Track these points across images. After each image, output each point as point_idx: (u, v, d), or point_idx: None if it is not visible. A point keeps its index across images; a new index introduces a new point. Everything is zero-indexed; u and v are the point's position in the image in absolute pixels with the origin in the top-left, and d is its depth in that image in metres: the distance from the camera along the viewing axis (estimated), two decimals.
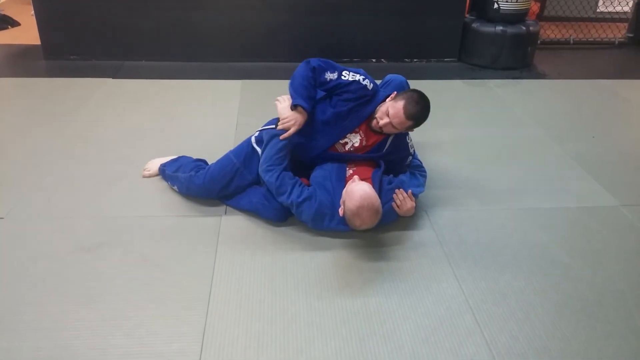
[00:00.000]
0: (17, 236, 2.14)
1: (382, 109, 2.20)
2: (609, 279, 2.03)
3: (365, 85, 2.21)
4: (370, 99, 2.24)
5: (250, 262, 2.04)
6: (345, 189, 2.07)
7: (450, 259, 2.10)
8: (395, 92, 2.24)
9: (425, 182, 2.41)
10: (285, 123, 2.18)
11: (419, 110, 2.15)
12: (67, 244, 2.10)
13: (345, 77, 2.21)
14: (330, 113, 2.24)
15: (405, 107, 2.12)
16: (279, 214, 2.23)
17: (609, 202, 2.53)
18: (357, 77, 2.21)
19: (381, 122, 2.18)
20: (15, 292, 1.85)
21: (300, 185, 2.16)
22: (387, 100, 2.22)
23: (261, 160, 2.21)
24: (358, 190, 1.99)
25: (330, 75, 2.21)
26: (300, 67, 2.24)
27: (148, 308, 1.80)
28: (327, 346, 1.69)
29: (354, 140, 2.28)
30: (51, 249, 2.07)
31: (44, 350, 1.63)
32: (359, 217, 1.97)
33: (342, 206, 2.03)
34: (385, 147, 2.30)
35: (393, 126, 2.17)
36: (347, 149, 2.29)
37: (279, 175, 2.14)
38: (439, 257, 2.11)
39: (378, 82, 2.41)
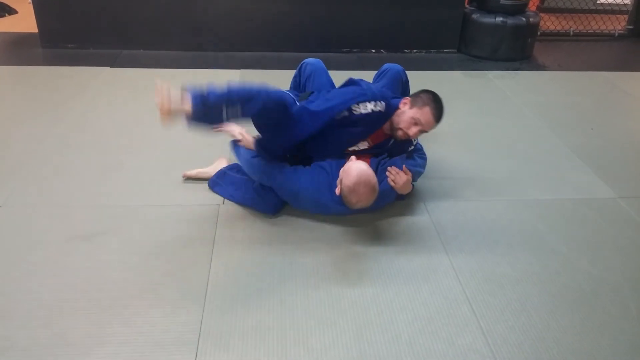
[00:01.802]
0: (14, 225, 2.14)
1: (404, 119, 2.16)
2: (605, 270, 2.03)
3: (380, 110, 2.14)
4: (384, 115, 2.20)
5: (248, 251, 2.04)
6: (342, 168, 2.07)
7: (448, 249, 2.10)
8: (409, 99, 2.20)
9: (424, 164, 2.39)
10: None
11: (441, 108, 2.18)
12: (64, 233, 2.10)
13: (356, 111, 2.12)
14: (343, 131, 2.19)
15: (433, 113, 2.15)
16: (271, 208, 2.24)
17: (607, 194, 2.53)
18: (369, 107, 2.11)
19: (412, 132, 2.17)
20: (12, 280, 1.85)
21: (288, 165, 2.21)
22: (403, 108, 2.19)
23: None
24: (355, 168, 1.99)
25: (341, 114, 2.13)
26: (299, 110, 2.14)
27: (145, 297, 1.80)
28: (325, 336, 1.69)
29: (361, 146, 2.27)
30: (48, 237, 2.07)
31: (41, 339, 1.63)
32: (355, 193, 1.97)
33: (339, 185, 2.03)
34: (390, 144, 2.30)
35: (423, 132, 2.20)
36: (351, 150, 2.29)
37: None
38: (436, 248, 2.11)
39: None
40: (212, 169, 2.43)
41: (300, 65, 2.58)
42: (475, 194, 2.49)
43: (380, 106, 2.13)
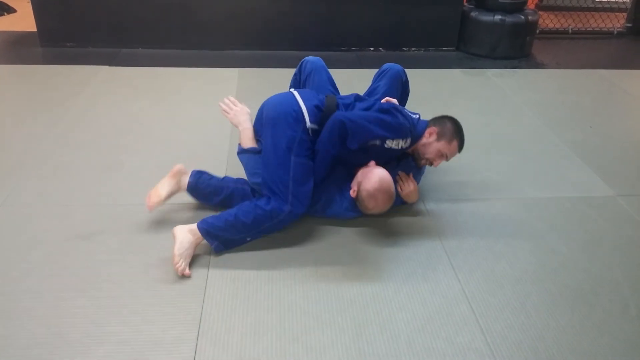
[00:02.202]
0: (14, 224, 2.14)
1: (431, 151, 2.20)
2: (604, 269, 2.03)
3: (406, 147, 2.17)
4: (408, 148, 2.22)
5: (246, 250, 2.04)
6: (361, 170, 2.07)
7: (447, 248, 2.10)
8: (434, 129, 2.19)
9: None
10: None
11: (464, 138, 2.23)
12: (64, 232, 2.09)
13: (388, 145, 2.12)
14: (368, 156, 2.18)
15: (459, 146, 2.21)
16: None
17: (606, 192, 2.53)
18: (400, 143, 2.13)
19: (436, 163, 2.22)
20: (12, 279, 1.85)
21: None
22: (429, 138, 2.19)
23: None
24: (377, 174, 2.01)
25: (373, 142, 2.12)
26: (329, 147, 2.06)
27: (144, 296, 1.81)
28: (324, 335, 1.69)
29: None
30: (48, 236, 2.07)
31: (40, 338, 1.63)
32: (374, 199, 2.00)
33: (354, 187, 2.03)
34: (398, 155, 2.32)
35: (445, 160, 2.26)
36: None
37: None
38: (435, 246, 2.11)
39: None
40: (174, 185, 2.22)
41: (300, 63, 2.58)
42: (474, 193, 2.49)
43: (407, 143, 2.16)
